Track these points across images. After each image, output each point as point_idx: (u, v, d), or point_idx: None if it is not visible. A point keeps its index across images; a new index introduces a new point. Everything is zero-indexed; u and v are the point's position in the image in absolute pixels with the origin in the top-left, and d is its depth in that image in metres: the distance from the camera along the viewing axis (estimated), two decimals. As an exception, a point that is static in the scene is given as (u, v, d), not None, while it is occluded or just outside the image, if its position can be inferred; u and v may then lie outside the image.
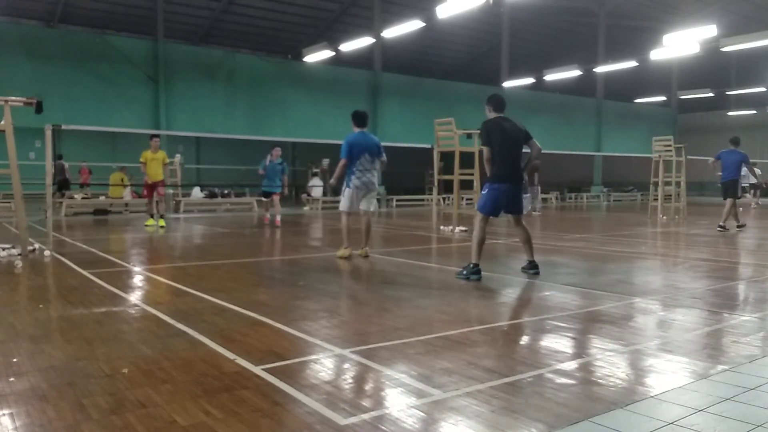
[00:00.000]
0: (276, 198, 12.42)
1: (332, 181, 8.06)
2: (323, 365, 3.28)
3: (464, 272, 5.93)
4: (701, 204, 22.85)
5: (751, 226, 13.70)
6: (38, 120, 8.89)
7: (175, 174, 18.86)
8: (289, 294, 5.29)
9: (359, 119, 7.55)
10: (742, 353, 3.45)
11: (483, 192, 6.10)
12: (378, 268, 7.08)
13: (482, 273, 5.89)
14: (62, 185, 17.41)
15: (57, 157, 18.80)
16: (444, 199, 18.35)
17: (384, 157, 7.69)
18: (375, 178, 7.63)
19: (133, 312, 4.58)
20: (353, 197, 7.47)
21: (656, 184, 14.82)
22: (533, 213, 16.59)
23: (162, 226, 11.92)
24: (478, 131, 6.16)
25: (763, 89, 27.88)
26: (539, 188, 17.73)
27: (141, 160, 12.01)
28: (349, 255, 7.52)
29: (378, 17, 23.11)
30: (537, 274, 6.12)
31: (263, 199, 13.02)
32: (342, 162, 7.46)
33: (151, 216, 12.23)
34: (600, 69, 26.82)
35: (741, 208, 20.78)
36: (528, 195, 17.05)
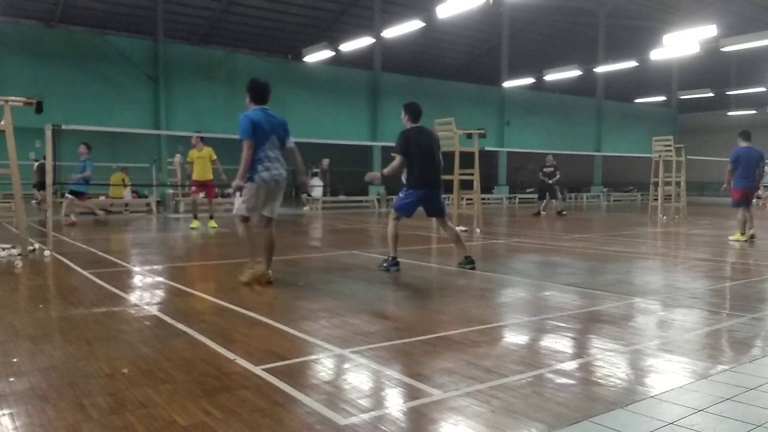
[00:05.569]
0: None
1: (236, 181, 5.42)
2: (323, 365, 3.28)
3: (385, 264, 6.53)
4: (702, 204, 22.85)
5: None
6: (38, 120, 8.89)
7: (174, 174, 18.83)
8: (289, 294, 5.28)
9: (258, 92, 5.58)
10: (742, 353, 3.45)
11: (401, 195, 6.54)
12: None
13: (480, 272, 6.31)
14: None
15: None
16: (445, 198, 18.33)
17: (292, 142, 5.66)
18: (284, 171, 5.63)
19: (133, 312, 4.57)
20: (258, 195, 5.46)
21: (656, 184, 14.82)
22: (563, 213, 16.71)
23: (213, 227, 11.66)
24: (395, 141, 6.41)
25: (763, 89, 27.88)
26: (557, 188, 17.68)
27: (188, 159, 11.88)
28: (262, 276, 5.56)
29: (378, 17, 23.11)
30: (473, 268, 6.51)
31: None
32: (248, 144, 5.33)
33: (195, 217, 12.07)
34: (600, 69, 26.82)
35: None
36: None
